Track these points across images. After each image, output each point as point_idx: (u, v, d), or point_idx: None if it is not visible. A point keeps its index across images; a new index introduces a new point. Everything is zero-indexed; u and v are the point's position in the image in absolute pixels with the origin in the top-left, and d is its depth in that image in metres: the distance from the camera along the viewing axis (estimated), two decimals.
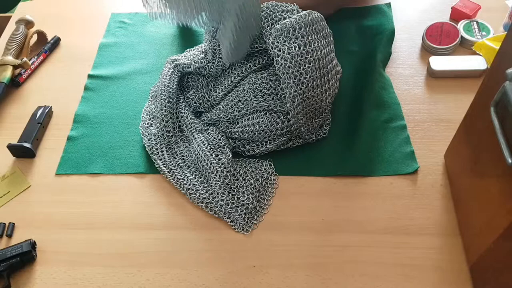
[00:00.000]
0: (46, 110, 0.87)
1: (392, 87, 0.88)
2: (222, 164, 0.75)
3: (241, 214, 0.72)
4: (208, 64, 0.82)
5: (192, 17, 0.78)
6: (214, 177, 0.75)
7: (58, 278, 0.69)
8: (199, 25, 0.80)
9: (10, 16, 1.08)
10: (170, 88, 0.83)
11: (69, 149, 0.84)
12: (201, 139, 0.79)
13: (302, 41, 0.73)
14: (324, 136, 0.81)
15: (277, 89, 0.77)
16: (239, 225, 0.72)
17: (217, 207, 0.73)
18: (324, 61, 0.75)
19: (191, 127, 0.82)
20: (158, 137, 0.81)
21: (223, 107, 0.80)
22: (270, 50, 0.75)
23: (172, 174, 0.78)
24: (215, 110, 0.81)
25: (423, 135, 0.81)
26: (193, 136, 0.81)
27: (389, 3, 1.03)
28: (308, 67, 0.73)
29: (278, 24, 0.74)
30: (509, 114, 0.51)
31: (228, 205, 0.73)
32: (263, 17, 0.76)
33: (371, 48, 0.93)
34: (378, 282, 0.66)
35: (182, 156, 0.80)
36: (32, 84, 0.95)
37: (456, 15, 0.98)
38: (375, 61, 0.90)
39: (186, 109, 0.83)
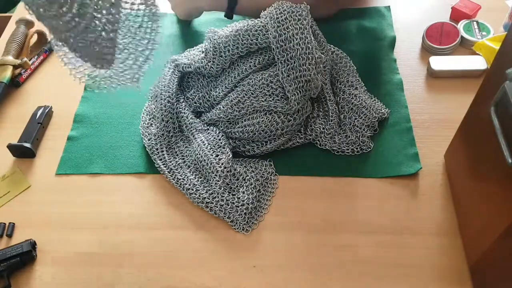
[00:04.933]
0: (46, 110, 0.87)
1: (403, 89, 0.87)
2: (222, 164, 0.75)
3: (241, 214, 0.72)
4: (208, 64, 0.82)
5: None
6: (214, 177, 0.75)
7: (58, 278, 0.69)
8: None
9: (10, 16, 1.08)
10: (170, 88, 0.83)
11: (69, 149, 0.84)
12: (201, 139, 0.79)
13: None
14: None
15: (278, 89, 0.77)
16: (239, 225, 0.72)
17: (217, 207, 0.73)
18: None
19: (191, 127, 0.82)
20: (158, 137, 0.81)
21: (223, 107, 0.80)
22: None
23: (172, 174, 0.78)
24: (215, 110, 0.81)
25: (423, 135, 0.81)
26: (193, 136, 0.81)
27: (389, 6, 1.03)
28: None
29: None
30: (509, 114, 0.51)
31: (228, 205, 0.73)
32: (269, 18, 0.76)
33: (374, 51, 0.93)
34: (378, 282, 0.66)
35: (182, 156, 0.80)
36: (32, 84, 0.95)
37: (456, 15, 0.98)
38: (381, 63, 0.90)
39: (186, 109, 0.83)
